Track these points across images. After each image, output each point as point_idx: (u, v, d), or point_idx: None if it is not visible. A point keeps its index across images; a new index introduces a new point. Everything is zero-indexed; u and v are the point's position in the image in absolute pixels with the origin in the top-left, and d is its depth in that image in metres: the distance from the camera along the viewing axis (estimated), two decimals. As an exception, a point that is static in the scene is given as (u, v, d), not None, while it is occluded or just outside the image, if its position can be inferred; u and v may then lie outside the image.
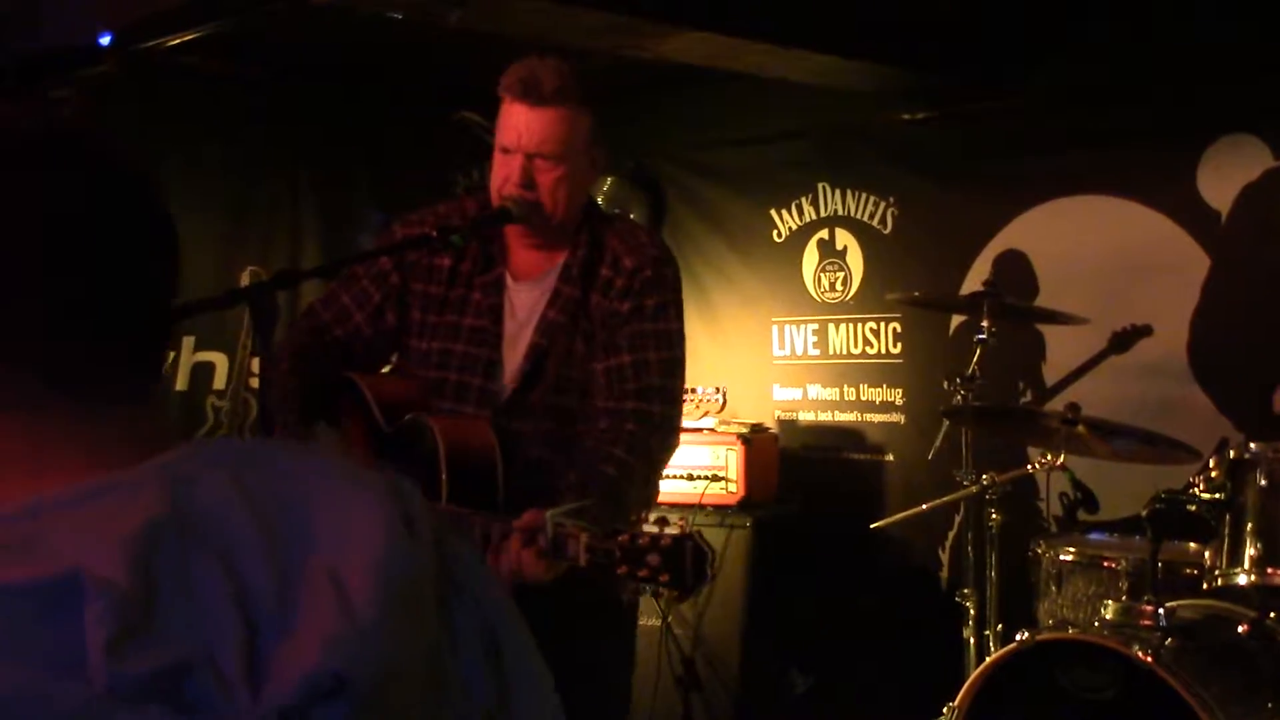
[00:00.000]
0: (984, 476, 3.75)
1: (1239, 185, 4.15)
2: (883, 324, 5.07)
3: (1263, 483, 3.03)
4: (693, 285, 2.82)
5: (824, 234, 5.24)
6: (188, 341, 5.01)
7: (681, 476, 4.75)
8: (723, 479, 4.76)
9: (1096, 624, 3.13)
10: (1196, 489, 3.12)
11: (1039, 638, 3.04)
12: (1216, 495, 3.08)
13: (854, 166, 5.14)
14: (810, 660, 4.86)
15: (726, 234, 5.49)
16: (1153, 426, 3.57)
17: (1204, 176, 4.21)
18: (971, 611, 3.84)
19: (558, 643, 2.27)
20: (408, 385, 2.68)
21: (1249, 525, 3.04)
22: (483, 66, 2.65)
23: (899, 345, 5.03)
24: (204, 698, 0.81)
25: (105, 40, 3.91)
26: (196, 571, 0.84)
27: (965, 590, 3.86)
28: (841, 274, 5.20)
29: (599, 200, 4.94)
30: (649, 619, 4.52)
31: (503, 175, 2.57)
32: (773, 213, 5.37)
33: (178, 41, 3.97)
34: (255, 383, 4.92)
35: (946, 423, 4.05)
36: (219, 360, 5.09)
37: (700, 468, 4.79)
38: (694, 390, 4.91)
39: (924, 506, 3.95)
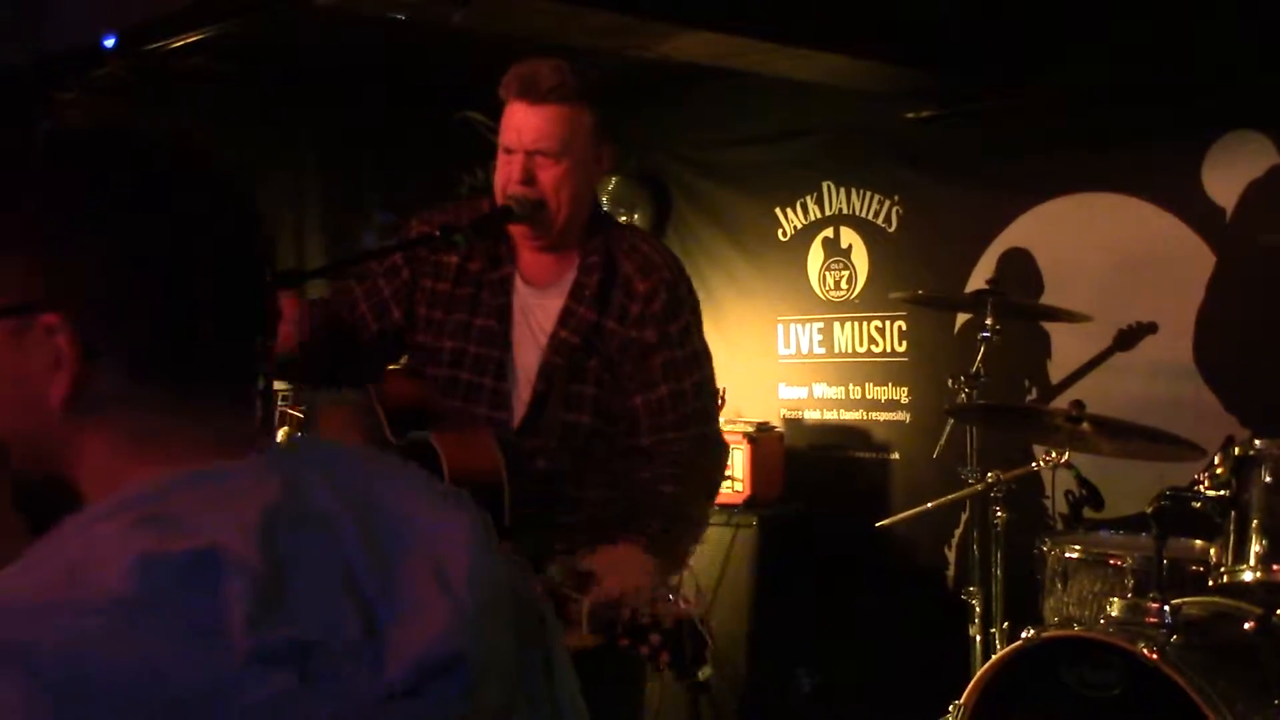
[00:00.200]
0: (989, 474, 3.75)
1: (1244, 182, 4.15)
2: (888, 322, 5.07)
3: (1267, 479, 3.03)
4: (698, 285, 2.81)
5: (829, 232, 5.24)
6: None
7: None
8: (729, 478, 4.76)
9: (1102, 621, 3.13)
10: (1201, 486, 3.12)
11: (1044, 635, 3.04)
12: (1221, 492, 3.08)
13: (859, 165, 5.13)
14: (817, 659, 4.86)
15: (731, 233, 5.50)
16: (1158, 424, 3.56)
17: (1209, 173, 4.20)
18: (977, 609, 3.83)
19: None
20: (414, 386, 2.66)
21: (1254, 522, 3.04)
22: (486, 67, 2.65)
23: (904, 343, 5.03)
24: (328, 671, 0.88)
25: (109, 42, 3.92)
26: (311, 557, 0.93)
27: (971, 588, 3.86)
28: (846, 272, 5.20)
29: (603, 199, 4.94)
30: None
31: (505, 175, 2.58)
32: (778, 211, 5.37)
33: (182, 43, 3.98)
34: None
35: (951, 421, 4.05)
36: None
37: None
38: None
39: (929, 505, 3.95)
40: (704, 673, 2.08)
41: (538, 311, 2.64)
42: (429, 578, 0.96)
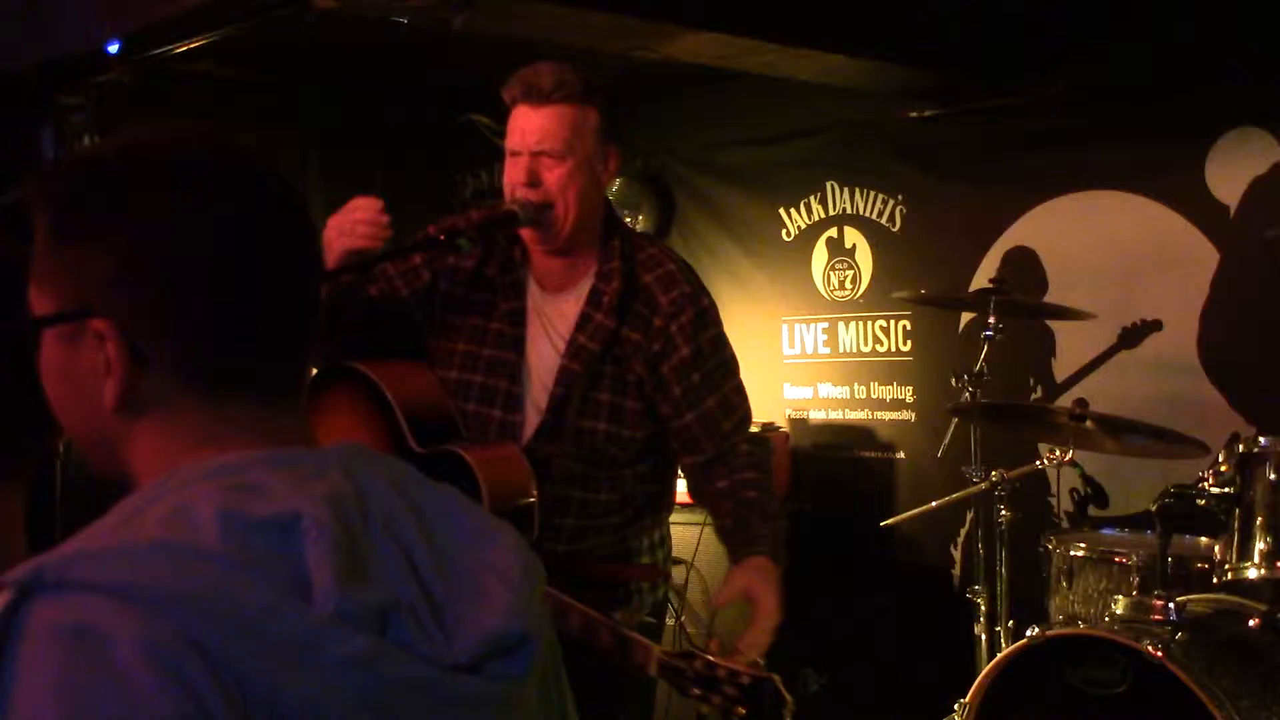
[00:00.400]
0: (993, 473, 3.75)
1: (1248, 179, 4.14)
2: (892, 322, 5.07)
3: (1272, 476, 3.02)
4: (703, 286, 2.83)
5: (833, 232, 5.25)
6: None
7: (693, 476, 4.76)
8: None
9: (1107, 619, 3.13)
10: (1206, 483, 3.12)
11: (1049, 633, 3.04)
12: (1226, 489, 3.08)
13: (862, 165, 5.14)
14: (823, 659, 4.86)
15: (736, 234, 5.51)
16: (1164, 422, 3.56)
17: (1212, 170, 4.20)
18: (982, 608, 3.84)
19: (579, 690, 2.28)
20: (429, 386, 2.64)
21: (1259, 519, 3.04)
22: (490, 69, 2.65)
23: (909, 343, 5.03)
24: (405, 637, 0.95)
25: (113, 48, 3.93)
26: (376, 539, 0.99)
27: (976, 587, 3.86)
28: (851, 272, 5.20)
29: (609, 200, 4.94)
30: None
31: (511, 179, 2.59)
32: (782, 212, 5.38)
33: (185, 48, 3.99)
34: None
35: (955, 420, 4.05)
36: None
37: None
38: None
39: (933, 504, 3.95)
40: None
41: (553, 316, 2.64)
42: (486, 571, 1.03)
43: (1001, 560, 3.79)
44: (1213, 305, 4.23)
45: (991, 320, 3.83)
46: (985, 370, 3.85)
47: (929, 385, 4.92)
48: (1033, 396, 4.61)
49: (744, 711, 2.05)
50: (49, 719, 0.84)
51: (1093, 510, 3.74)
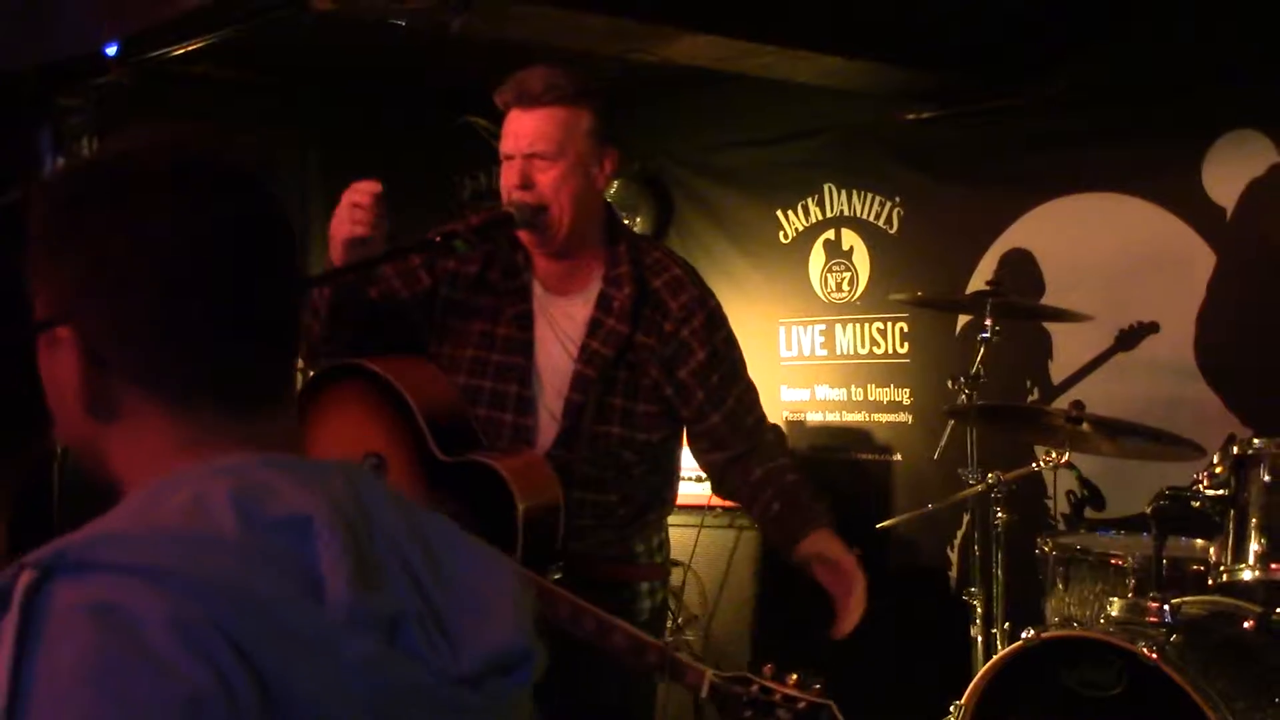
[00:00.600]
0: (989, 475, 3.76)
1: (1245, 181, 4.15)
2: (890, 324, 5.08)
3: (1266, 478, 3.03)
4: (701, 287, 2.85)
5: (830, 234, 5.25)
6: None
7: (691, 478, 4.76)
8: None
9: (1102, 621, 3.13)
10: (1201, 485, 3.13)
11: (1044, 636, 3.04)
12: (1221, 491, 3.08)
13: (860, 167, 5.14)
14: (820, 660, 4.85)
15: (733, 235, 5.51)
16: (1161, 424, 3.57)
17: (1209, 173, 4.21)
18: (979, 610, 3.84)
19: (585, 689, 2.28)
20: (444, 388, 2.64)
21: (1253, 521, 3.04)
22: (489, 72, 2.66)
23: (906, 345, 5.04)
24: (413, 646, 0.96)
25: (111, 50, 3.94)
26: (380, 550, 1.00)
27: (972, 589, 3.87)
28: (848, 274, 5.21)
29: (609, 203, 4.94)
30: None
31: (506, 182, 2.60)
32: (779, 214, 5.38)
33: (183, 50, 3.99)
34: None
35: (952, 422, 4.06)
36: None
37: (709, 469, 4.80)
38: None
39: (929, 507, 3.96)
40: None
41: (560, 319, 2.65)
42: (488, 587, 1.05)
43: (997, 562, 3.79)
44: (1209, 307, 4.24)
45: (988, 322, 3.84)
46: (982, 372, 3.86)
47: (926, 387, 4.92)
48: (1030, 398, 4.61)
49: None
50: (83, 699, 0.85)
51: (1089, 512, 3.74)
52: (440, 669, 0.97)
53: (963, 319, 4.80)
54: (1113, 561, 3.42)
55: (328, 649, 0.91)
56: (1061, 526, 4.26)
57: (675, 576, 3.63)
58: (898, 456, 5.05)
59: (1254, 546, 3.03)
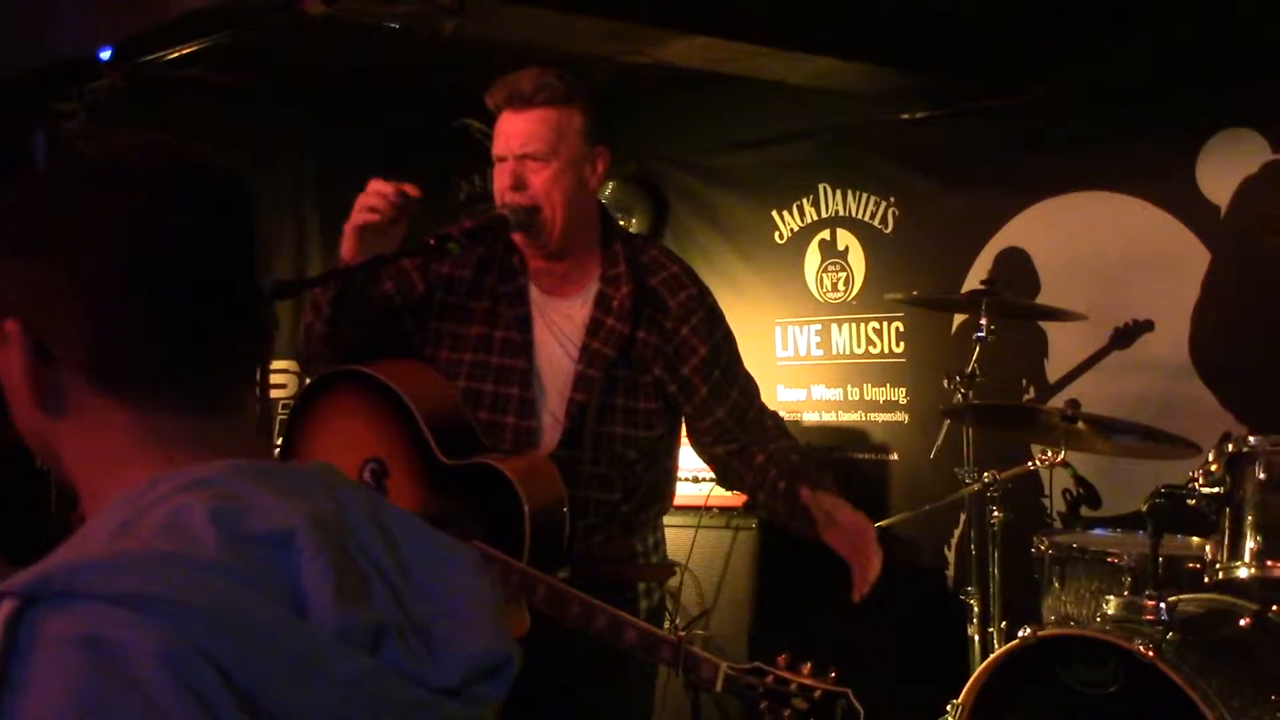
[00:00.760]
0: (985, 474, 3.76)
1: (1238, 179, 4.15)
2: (885, 323, 5.08)
3: (1262, 476, 3.04)
4: (696, 288, 2.86)
5: (825, 235, 5.25)
6: (193, 351, 5.03)
7: (688, 479, 4.76)
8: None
9: (1099, 619, 3.14)
10: (1197, 483, 3.13)
11: (1041, 634, 3.05)
12: (1216, 489, 3.09)
13: (854, 167, 5.15)
14: (817, 659, 4.86)
15: (728, 236, 5.51)
16: (1156, 422, 3.57)
17: (1203, 171, 4.21)
18: (975, 609, 3.85)
19: (577, 685, 2.28)
20: (443, 391, 2.63)
21: (1249, 518, 3.05)
22: (485, 74, 2.66)
23: (902, 344, 5.04)
24: (396, 659, 0.95)
25: (105, 55, 3.94)
26: (360, 565, 0.99)
27: (969, 588, 3.87)
28: (844, 274, 5.21)
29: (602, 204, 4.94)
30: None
31: (499, 185, 2.61)
32: (774, 214, 5.38)
33: (178, 54, 3.99)
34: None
35: (948, 422, 4.06)
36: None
37: (706, 470, 4.79)
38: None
39: (926, 507, 3.97)
40: None
41: (559, 320, 2.66)
42: (462, 593, 1.03)
43: (994, 561, 3.80)
44: (1204, 305, 4.25)
45: (983, 322, 3.84)
46: (977, 371, 3.87)
47: (922, 387, 4.92)
48: (1025, 397, 4.62)
49: None
50: None
51: (1085, 511, 3.74)
52: (424, 680, 0.96)
53: (958, 318, 4.81)
54: (1109, 560, 3.42)
55: (316, 667, 0.90)
56: (1058, 525, 4.27)
57: (672, 577, 3.64)
58: (894, 456, 5.06)
59: (1250, 544, 3.04)
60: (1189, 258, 4.25)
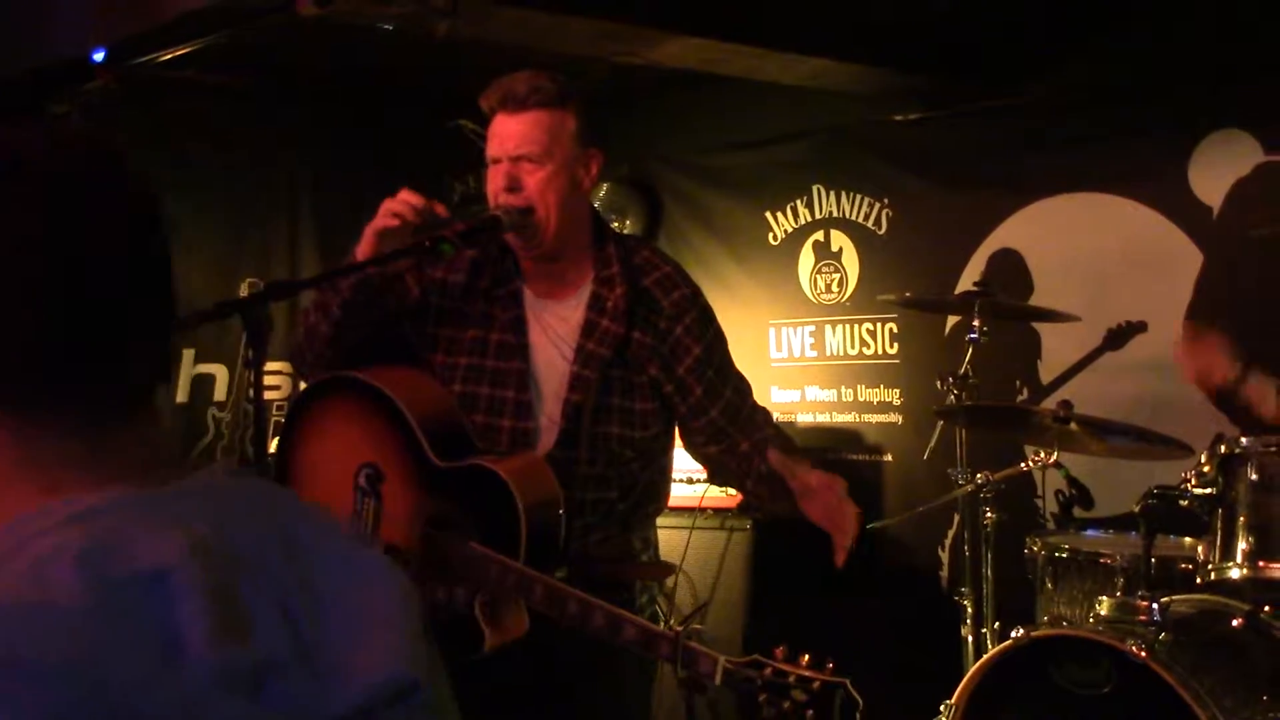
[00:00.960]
0: (978, 475, 3.77)
1: (1230, 180, 4.17)
2: (879, 325, 5.09)
3: (1254, 477, 3.04)
4: (690, 289, 2.87)
5: (819, 236, 5.26)
6: (188, 354, 5.04)
7: (682, 480, 4.77)
8: (723, 481, 4.78)
9: (1092, 620, 3.15)
10: (1189, 484, 3.14)
11: (1034, 634, 3.06)
12: (1208, 490, 3.10)
13: (848, 168, 5.15)
14: (812, 656, 4.87)
15: (722, 237, 5.52)
16: (1149, 423, 3.58)
17: (1195, 172, 4.22)
18: (969, 610, 3.85)
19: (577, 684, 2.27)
20: (437, 395, 2.63)
21: (1241, 519, 3.06)
22: (479, 75, 2.67)
23: (895, 346, 5.05)
24: (282, 697, 0.88)
25: (99, 56, 3.94)
26: (247, 586, 0.91)
27: (963, 589, 3.88)
28: (837, 275, 5.22)
29: (595, 205, 4.95)
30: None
31: (493, 186, 2.61)
32: (768, 215, 5.39)
33: (171, 55, 3.99)
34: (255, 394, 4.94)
35: (941, 423, 4.07)
36: (219, 372, 5.12)
37: (700, 471, 4.80)
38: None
39: (919, 509, 3.97)
40: None
41: (554, 322, 2.66)
42: (367, 612, 0.95)
43: (987, 562, 3.80)
44: (1196, 306, 4.25)
45: (976, 323, 3.85)
46: (970, 373, 3.87)
47: (916, 388, 4.93)
48: (1019, 399, 4.62)
49: (814, 715, 2.05)
50: None
51: (1078, 512, 3.75)
52: (314, 716, 0.88)
53: (952, 319, 4.81)
54: (1102, 561, 3.43)
55: (192, 718, 0.84)
56: (1051, 526, 4.28)
57: (669, 576, 3.65)
58: (888, 457, 5.06)
59: (1242, 545, 3.05)
60: (1181, 259, 4.26)
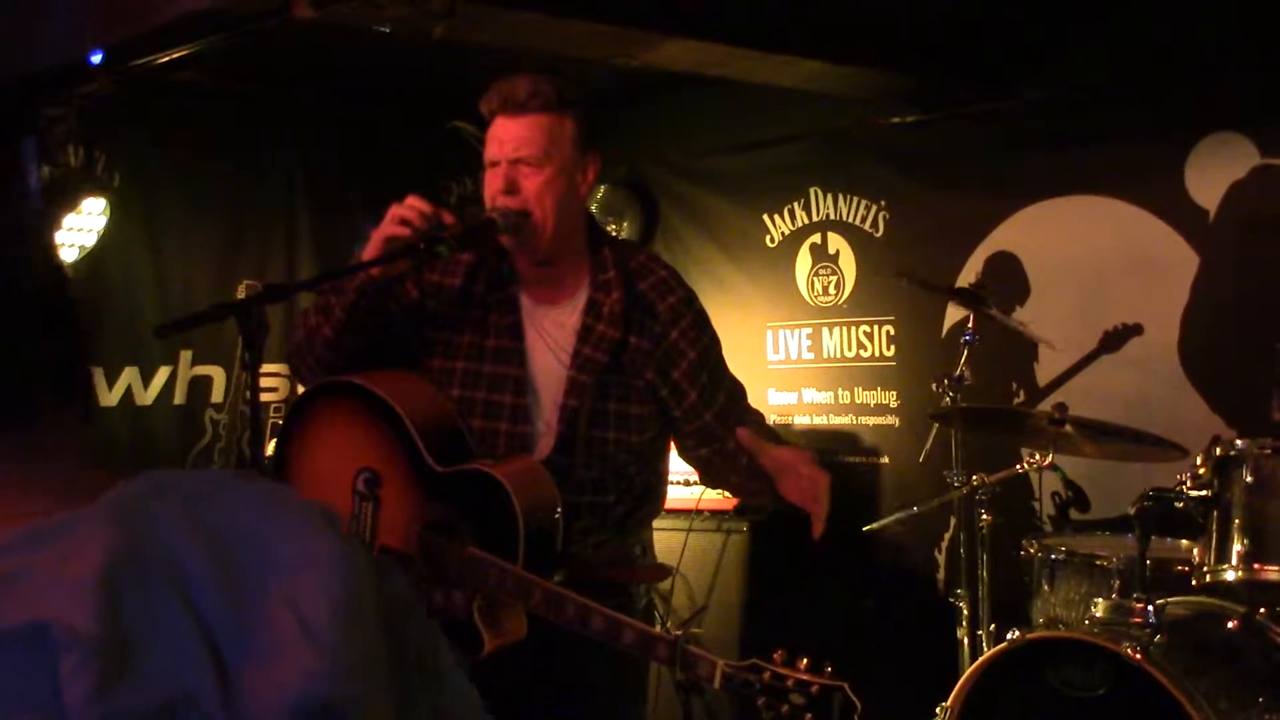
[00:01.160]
0: (974, 478, 3.77)
1: (1226, 183, 4.17)
2: (876, 327, 5.09)
3: (1249, 479, 3.05)
4: (687, 292, 2.88)
5: (816, 238, 5.26)
6: (185, 356, 5.04)
7: (679, 482, 4.77)
8: (719, 483, 4.78)
9: (1087, 622, 3.15)
10: (1184, 486, 3.15)
11: (1029, 636, 3.06)
12: (1204, 492, 3.10)
13: (845, 170, 5.16)
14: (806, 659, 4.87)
15: (719, 240, 5.52)
16: (1146, 425, 3.59)
17: (1192, 175, 4.23)
18: (965, 611, 3.85)
19: (573, 688, 2.28)
20: (434, 400, 2.63)
21: (1236, 521, 3.06)
22: (476, 77, 2.67)
23: (892, 348, 5.05)
24: None
25: (96, 58, 3.94)
26: (160, 610, 0.83)
27: (958, 591, 3.88)
28: (834, 278, 5.22)
29: (592, 209, 4.95)
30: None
31: (491, 188, 2.61)
32: (765, 218, 5.39)
33: (168, 58, 3.99)
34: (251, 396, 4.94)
35: (937, 425, 4.07)
36: (216, 374, 5.12)
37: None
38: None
39: (914, 509, 3.97)
40: None
41: (550, 327, 2.66)
42: (287, 617, 0.86)
43: (982, 564, 3.80)
44: (1193, 309, 4.26)
45: (970, 325, 3.85)
46: (966, 375, 3.87)
47: (912, 390, 4.93)
48: (1016, 401, 4.63)
49: (812, 719, 2.07)
50: None
51: (1074, 514, 3.76)
52: None
53: (948, 322, 4.82)
54: (1097, 562, 3.44)
55: None
56: (1047, 528, 4.28)
57: (664, 580, 3.66)
58: (885, 459, 5.07)
59: (1237, 547, 3.05)
60: (1178, 261, 4.27)
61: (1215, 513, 3.09)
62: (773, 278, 5.38)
